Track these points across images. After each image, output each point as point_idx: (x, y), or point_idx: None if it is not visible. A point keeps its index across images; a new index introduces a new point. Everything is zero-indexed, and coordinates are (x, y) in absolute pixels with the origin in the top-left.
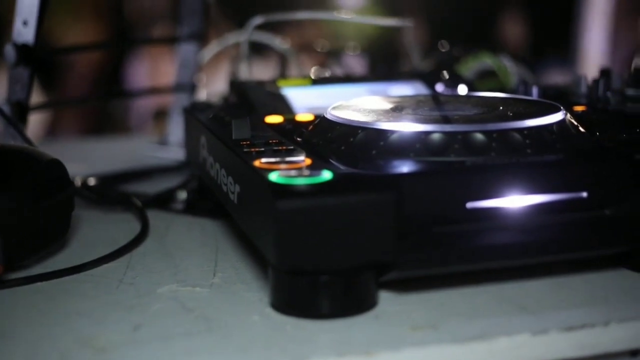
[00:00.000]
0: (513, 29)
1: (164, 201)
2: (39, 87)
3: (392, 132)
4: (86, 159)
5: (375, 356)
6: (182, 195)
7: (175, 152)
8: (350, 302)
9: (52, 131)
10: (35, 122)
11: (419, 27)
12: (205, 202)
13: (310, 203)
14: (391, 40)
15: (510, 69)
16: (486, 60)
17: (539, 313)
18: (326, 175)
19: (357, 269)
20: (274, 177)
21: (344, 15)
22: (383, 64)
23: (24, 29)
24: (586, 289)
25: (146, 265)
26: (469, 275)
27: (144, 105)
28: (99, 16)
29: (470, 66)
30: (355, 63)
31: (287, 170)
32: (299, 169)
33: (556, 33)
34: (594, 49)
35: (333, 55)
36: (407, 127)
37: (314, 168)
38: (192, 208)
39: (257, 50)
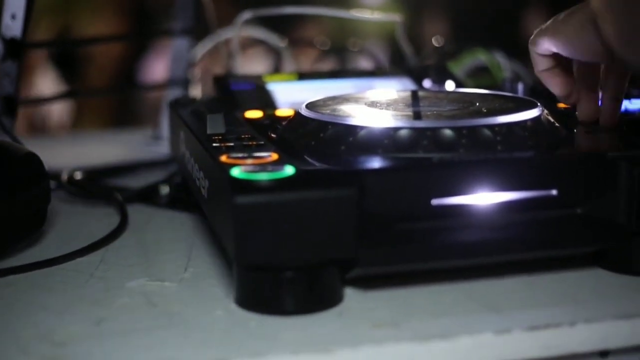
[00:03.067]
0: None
1: (146, 196)
2: (60, 79)
3: (361, 127)
4: (80, 153)
5: (334, 354)
6: (165, 190)
7: (165, 146)
8: (314, 298)
9: (75, 123)
10: (58, 114)
11: (438, 23)
12: (187, 197)
13: (269, 198)
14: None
15: (504, 65)
16: (480, 57)
17: (504, 312)
18: (288, 170)
19: (317, 266)
20: (235, 172)
21: (334, 11)
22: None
23: (12, 23)
24: (555, 288)
25: (119, 260)
26: (436, 273)
27: (156, 100)
28: (119, 10)
29: (465, 62)
30: (358, 59)
31: (251, 166)
32: (263, 164)
33: None
34: None
35: (332, 52)
36: (376, 123)
37: (279, 164)
38: (174, 203)
39: (263, 46)
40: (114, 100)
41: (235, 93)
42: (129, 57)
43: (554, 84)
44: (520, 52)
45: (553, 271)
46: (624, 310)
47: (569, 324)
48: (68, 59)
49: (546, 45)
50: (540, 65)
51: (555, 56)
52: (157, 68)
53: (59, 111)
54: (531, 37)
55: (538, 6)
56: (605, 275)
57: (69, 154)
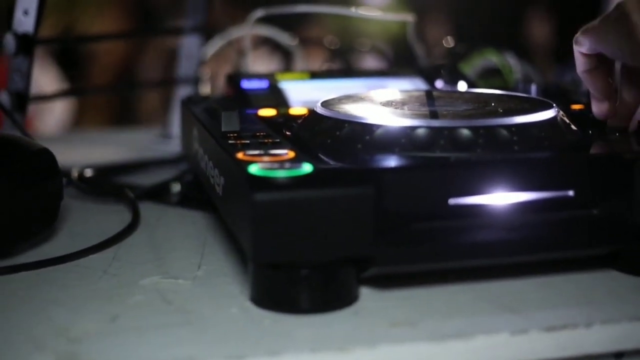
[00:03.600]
0: (539, 30)
1: (158, 193)
2: (62, 77)
3: (378, 126)
4: (90, 150)
5: (349, 352)
6: (176, 187)
7: (175, 145)
8: (330, 297)
9: (77, 122)
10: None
11: (443, 24)
12: (199, 195)
13: (288, 196)
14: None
15: (514, 67)
16: (491, 58)
17: (521, 312)
18: (306, 168)
19: (335, 264)
20: (253, 169)
21: (346, 10)
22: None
23: (25, 19)
24: (571, 289)
25: (132, 257)
26: (452, 273)
27: (162, 99)
28: (123, 8)
29: (475, 63)
30: (366, 59)
31: (269, 163)
32: (281, 162)
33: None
34: None
35: (342, 51)
36: (393, 121)
37: (297, 161)
38: (185, 201)
39: (271, 45)
40: (116, 99)
41: (248, 91)
42: (132, 55)
43: (596, 86)
44: (527, 53)
45: (569, 272)
46: (639, 312)
47: (585, 325)
48: (71, 57)
49: (592, 45)
50: (584, 65)
51: (598, 56)
52: (159, 67)
53: (60, 109)
54: (576, 35)
55: (540, 8)
56: (621, 276)
57: (76, 152)
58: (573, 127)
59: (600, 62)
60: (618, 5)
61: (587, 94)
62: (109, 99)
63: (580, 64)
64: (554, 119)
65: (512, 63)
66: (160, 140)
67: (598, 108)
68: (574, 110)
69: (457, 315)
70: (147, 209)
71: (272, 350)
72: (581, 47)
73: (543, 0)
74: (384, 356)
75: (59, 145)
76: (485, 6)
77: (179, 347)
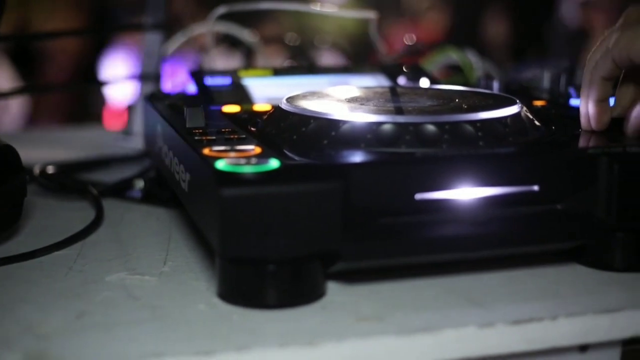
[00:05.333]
0: (497, 28)
1: (121, 190)
2: (18, 75)
3: (344, 122)
4: (50, 147)
5: (318, 347)
6: (140, 184)
7: (137, 142)
8: (297, 292)
9: (31, 120)
10: (14, 111)
11: (400, 20)
12: (162, 191)
13: (255, 191)
14: (366, 34)
15: (475, 64)
16: (451, 55)
17: (487, 306)
18: (273, 164)
19: (302, 259)
20: (220, 164)
21: (308, 7)
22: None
23: None
24: (536, 283)
25: (97, 254)
26: (420, 267)
27: (122, 95)
28: (79, 5)
29: (436, 60)
30: (326, 56)
31: (235, 159)
32: (247, 157)
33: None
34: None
35: (303, 48)
36: (358, 117)
37: (263, 157)
38: (149, 197)
39: (232, 42)
40: (72, 97)
41: (211, 88)
42: (88, 53)
43: (607, 95)
44: (487, 51)
45: (534, 266)
46: (603, 305)
47: (550, 318)
48: (25, 55)
49: (621, 62)
50: (603, 93)
51: (611, 82)
52: (118, 64)
53: (16, 108)
54: (592, 65)
55: (499, 7)
56: (585, 270)
57: (36, 149)
58: (537, 122)
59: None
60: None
61: (550, 90)
62: (66, 97)
63: (598, 92)
64: (518, 114)
65: (472, 60)
66: (121, 137)
67: (599, 117)
68: (537, 106)
69: (424, 309)
70: (111, 206)
71: (240, 346)
72: (603, 71)
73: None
74: (351, 350)
75: (19, 143)
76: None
77: (147, 343)
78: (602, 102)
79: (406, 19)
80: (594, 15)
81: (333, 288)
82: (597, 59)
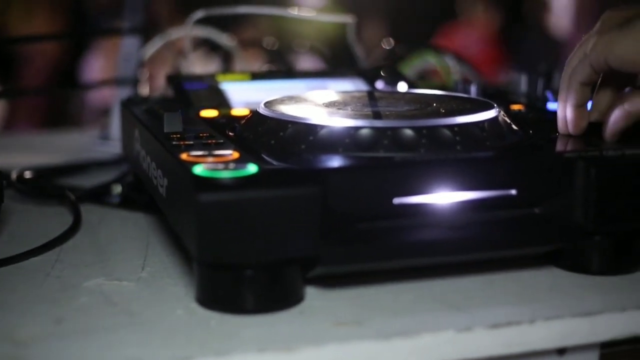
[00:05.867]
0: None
1: (99, 195)
2: None
3: (322, 127)
4: (27, 152)
5: (296, 352)
6: (117, 189)
7: (115, 146)
8: (275, 297)
9: (8, 125)
10: None
11: (379, 26)
12: (140, 196)
13: (233, 196)
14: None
15: (453, 68)
16: (429, 59)
17: (465, 310)
18: (251, 169)
19: (281, 264)
20: (198, 169)
21: (286, 11)
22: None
23: None
24: (514, 287)
25: (75, 259)
26: (398, 272)
27: (98, 100)
28: (55, 9)
29: (414, 64)
30: (304, 60)
31: (213, 164)
32: (225, 162)
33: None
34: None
35: (281, 52)
36: (336, 122)
37: (241, 162)
38: (127, 202)
39: (210, 46)
40: (49, 101)
41: (189, 92)
42: (67, 57)
43: (585, 99)
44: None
45: (512, 270)
46: (581, 309)
47: (528, 322)
48: (2, 59)
49: (599, 66)
50: (581, 98)
51: (589, 87)
52: (96, 68)
53: None
54: (570, 70)
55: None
56: (563, 274)
57: (13, 154)
58: (514, 126)
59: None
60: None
61: (527, 94)
62: (44, 102)
63: (577, 97)
64: (495, 118)
65: (450, 64)
66: (99, 142)
67: (577, 122)
68: (514, 110)
69: (402, 314)
70: (89, 211)
71: (218, 351)
72: (581, 76)
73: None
74: (330, 355)
75: None
76: (419, 8)
77: (125, 348)
78: (580, 107)
79: (461, 21)
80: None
81: (311, 293)
82: (575, 64)
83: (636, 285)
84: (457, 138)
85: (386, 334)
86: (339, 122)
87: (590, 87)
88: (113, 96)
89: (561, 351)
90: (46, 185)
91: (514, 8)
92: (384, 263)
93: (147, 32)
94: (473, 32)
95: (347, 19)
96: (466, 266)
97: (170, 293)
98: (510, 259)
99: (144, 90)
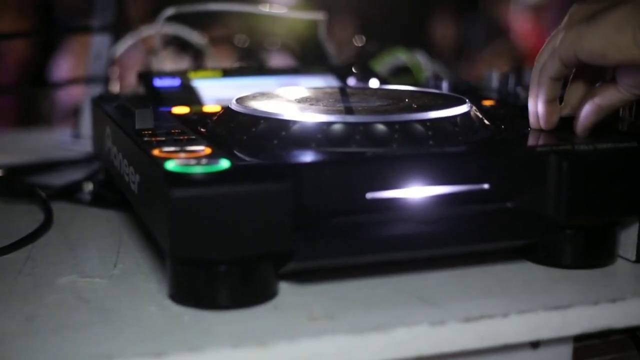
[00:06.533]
0: (447, 29)
1: (70, 193)
2: None
3: (294, 122)
4: None
5: (270, 347)
6: (89, 187)
7: (86, 145)
8: (249, 292)
9: None
10: None
11: (349, 23)
12: (112, 193)
13: (206, 192)
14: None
15: (424, 65)
16: (400, 56)
17: (439, 304)
18: (223, 164)
19: (254, 259)
20: (170, 165)
21: (257, 8)
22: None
23: None
24: (487, 281)
25: (47, 257)
26: (371, 266)
27: (70, 98)
28: (24, 7)
29: (385, 61)
30: (275, 57)
31: (185, 159)
32: (198, 158)
33: None
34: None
35: (252, 49)
36: (308, 117)
37: (213, 157)
38: (98, 200)
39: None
40: (20, 101)
41: (160, 89)
42: (36, 56)
43: (555, 94)
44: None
45: (485, 264)
46: (554, 302)
47: (502, 315)
48: None
49: (568, 61)
50: (552, 94)
51: (559, 82)
52: (65, 67)
53: None
54: (540, 65)
55: (448, 7)
56: (535, 267)
57: None
58: (486, 121)
59: (572, 71)
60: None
61: (498, 90)
62: (14, 101)
63: (547, 92)
64: (467, 113)
65: (421, 61)
66: (70, 141)
67: (548, 117)
68: (486, 106)
69: (376, 308)
70: (60, 209)
71: (192, 347)
72: (551, 71)
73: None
74: (304, 350)
75: None
76: (395, 5)
77: (97, 345)
78: (551, 102)
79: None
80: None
81: (285, 288)
82: (545, 59)
83: (608, 278)
84: (430, 133)
85: (360, 329)
86: (311, 117)
87: (561, 82)
88: (84, 94)
89: (535, 344)
90: (17, 184)
91: None
92: (357, 258)
93: (117, 30)
94: None
95: (318, 16)
96: (439, 260)
97: (143, 290)
98: (483, 253)
99: (115, 88)
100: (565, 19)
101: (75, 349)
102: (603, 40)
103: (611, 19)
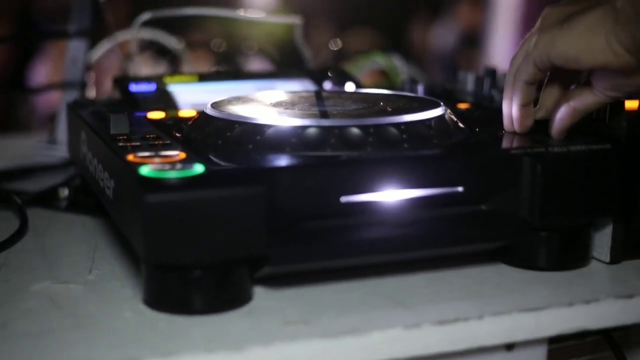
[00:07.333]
0: (424, 33)
1: (46, 199)
2: None
3: (269, 126)
4: None
5: (245, 351)
6: (64, 192)
7: (62, 150)
8: (224, 297)
9: None
10: None
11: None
12: (88, 199)
13: (180, 196)
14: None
15: (400, 68)
16: (377, 60)
17: (413, 307)
18: (198, 169)
19: (229, 264)
20: (144, 170)
21: (233, 13)
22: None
23: None
24: (462, 283)
25: (22, 263)
26: (345, 270)
27: (48, 104)
28: (1, 13)
29: (362, 65)
30: (252, 62)
31: (160, 164)
32: (172, 163)
33: None
34: (502, 56)
35: (229, 54)
36: (283, 121)
37: (188, 162)
38: (74, 206)
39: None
40: None
41: (136, 94)
42: (14, 61)
43: (529, 98)
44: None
45: (459, 267)
46: (528, 304)
47: (476, 318)
48: None
49: (542, 65)
50: (527, 97)
51: (534, 86)
52: (45, 72)
53: None
54: (515, 68)
55: (425, 12)
56: (509, 270)
57: None
58: (460, 124)
59: (547, 74)
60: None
61: (474, 93)
62: None
63: (522, 96)
64: (442, 117)
65: (398, 65)
66: (46, 146)
67: (523, 120)
68: (461, 109)
69: (350, 312)
70: (35, 215)
71: (167, 352)
72: (525, 75)
73: (426, 3)
74: (279, 354)
75: None
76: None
77: (73, 351)
78: (525, 106)
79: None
80: None
81: (260, 293)
82: (519, 62)
83: (583, 280)
84: (404, 136)
85: (334, 332)
86: (286, 121)
87: (535, 86)
88: (61, 100)
89: (509, 346)
90: None
91: None
92: (332, 262)
93: (94, 35)
94: None
95: (295, 20)
96: (414, 263)
97: (118, 295)
98: (457, 255)
99: (92, 93)
100: (539, 22)
101: (50, 354)
102: (576, 44)
103: (584, 23)
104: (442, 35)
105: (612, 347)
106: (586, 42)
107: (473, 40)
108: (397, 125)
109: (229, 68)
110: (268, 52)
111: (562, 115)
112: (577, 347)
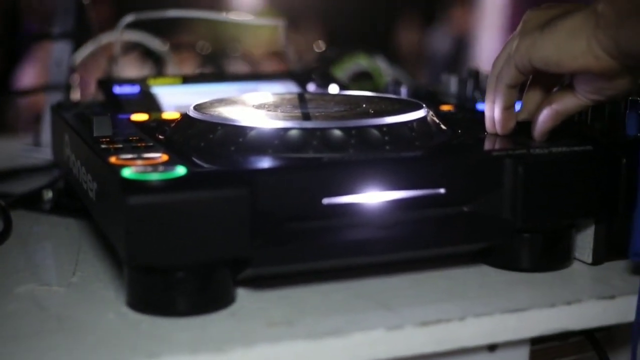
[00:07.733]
0: (409, 35)
1: (30, 201)
2: None
3: (251, 128)
4: None
5: (228, 353)
6: (48, 195)
7: (47, 153)
8: (206, 299)
9: None
10: None
11: (313, 28)
12: (71, 201)
13: (162, 198)
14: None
15: (384, 70)
16: (361, 62)
17: (395, 309)
18: (180, 171)
19: (211, 266)
20: (126, 172)
21: (218, 15)
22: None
23: None
24: (443, 285)
25: (5, 265)
26: (328, 272)
27: (34, 106)
28: None
29: (346, 67)
30: (237, 63)
31: (142, 166)
32: (154, 165)
33: None
34: (487, 58)
35: (214, 56)
36: (265, 123)
37: (170, 164)
38: (58, 208)
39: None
40: None
41: (120, 96)
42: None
43: (512, 101)
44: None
45: (442, 268)
46: (511, 305)
47: (459, 319)
48: None
49: (524, 68)
50: (509, 100)
51: (516, 89)
52: (31, 74)
53: None
54: (497, 70)
55: (411, 13)
56: (492, 271)
57: None
58: (443, 126)
59: (529, 77)
60: (531, 17)
61: (457, 95)
62: None
63: (505, 99)
64: (424, 119)
65: (382, 66)
66: (30, 149)
67: (505, 123)
68: (443, 111)
69: (333, 313)
70: (19, 217)
71: (150, 353)
72: (508, 79)
73: (413, 6)
74: (262, 356)
75: None
76: (355, 11)
77: (55, 353)
78: (507, 109)
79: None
80: None
81: (243, 294)
82: (501, 65)
83: (565, 281)
84: (386, 138)
85: (317, 334)
86: (268, 123)
87: (517, 89)
88: (45, 102)
89: (492, 347)
90: None
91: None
92: (314, 263)
93: (78, 37)
94: None
95: (279, 22)
96: (396, 265)
97: (101, 297)
98: (440, 257)
99: (76, 95)
100: (520, 25)
101: (33, 357)
102: (558, 47)
103: (566, 26)
104: (437, 40)
105: (595, 347)
106: (567, 46)
107: (467, 44)
108: (379, 127)
109: (214, 70)
110: (252, 54)
111: (544, 117)
112: (560, 347)
